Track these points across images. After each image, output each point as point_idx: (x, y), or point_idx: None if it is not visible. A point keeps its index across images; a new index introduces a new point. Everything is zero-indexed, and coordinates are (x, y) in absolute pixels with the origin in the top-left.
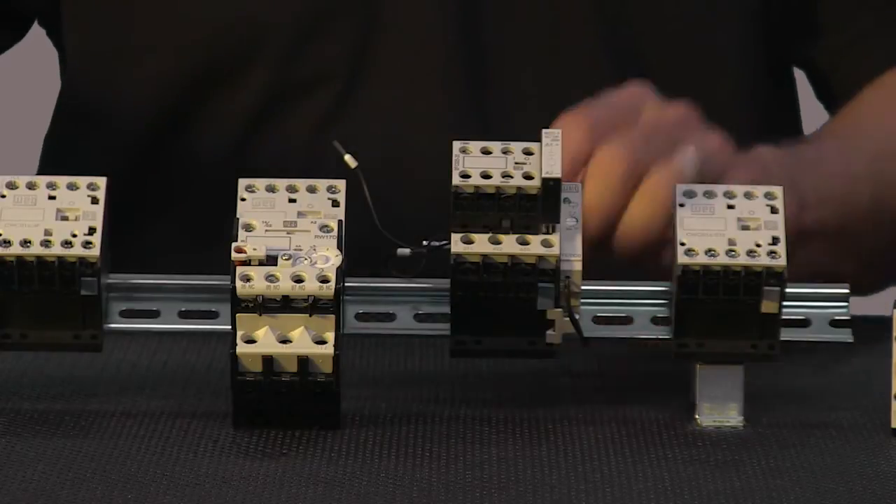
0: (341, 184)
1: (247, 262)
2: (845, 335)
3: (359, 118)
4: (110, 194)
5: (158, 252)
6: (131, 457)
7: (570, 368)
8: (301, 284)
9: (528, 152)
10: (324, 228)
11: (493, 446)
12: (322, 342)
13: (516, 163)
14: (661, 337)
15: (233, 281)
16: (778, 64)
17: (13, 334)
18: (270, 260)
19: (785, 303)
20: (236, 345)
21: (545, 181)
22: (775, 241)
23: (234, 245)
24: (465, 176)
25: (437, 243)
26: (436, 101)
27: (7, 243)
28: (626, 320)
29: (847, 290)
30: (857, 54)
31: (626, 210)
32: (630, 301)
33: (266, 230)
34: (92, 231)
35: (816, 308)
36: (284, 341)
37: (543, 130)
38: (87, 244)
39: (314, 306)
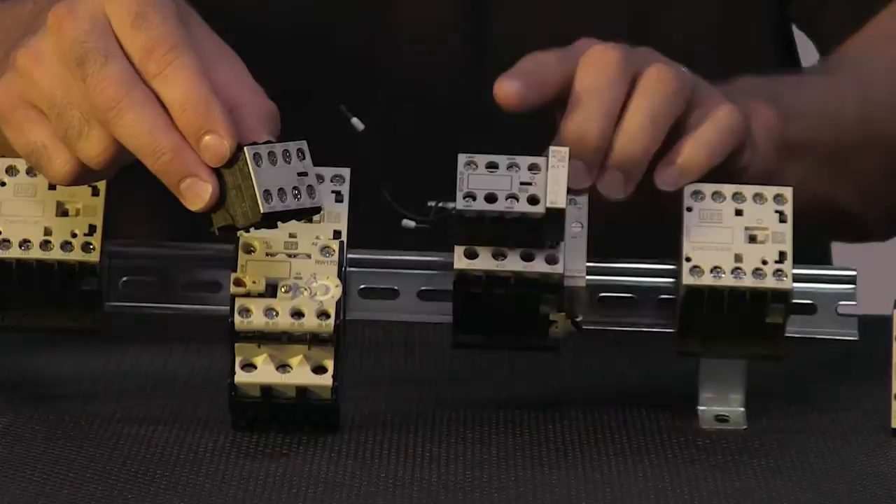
0: (346, 172)
1: (246, 294)
2: (851, 327)
3: (364, 120)
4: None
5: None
6: (131, 457)
7: (570, 368)
8: (300, 321)
9: (534, 169)
10: (324, 251)
11: (493, 446)
12: (321, 369)
13: (521, 183)
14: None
15: (231, 314)
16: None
17: (13, 316)
18: (269, 290)
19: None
20: (234, 373)
21: (549, 210)
22: (782, 257)
23: (233, 277)
24: (470, 196)
25: (443, 204)
26: (442, 103)
27: (6, 243)
28: (630, 302)
29: (854, 273)
30: (831, 11)
31: None
32: (635, 281)
33: (266, 252)
34: (92, 230)
35: (823, 291)
36: (283, 365)
37: (550, 148)
38: (86, 245)
39: (314, 339)
